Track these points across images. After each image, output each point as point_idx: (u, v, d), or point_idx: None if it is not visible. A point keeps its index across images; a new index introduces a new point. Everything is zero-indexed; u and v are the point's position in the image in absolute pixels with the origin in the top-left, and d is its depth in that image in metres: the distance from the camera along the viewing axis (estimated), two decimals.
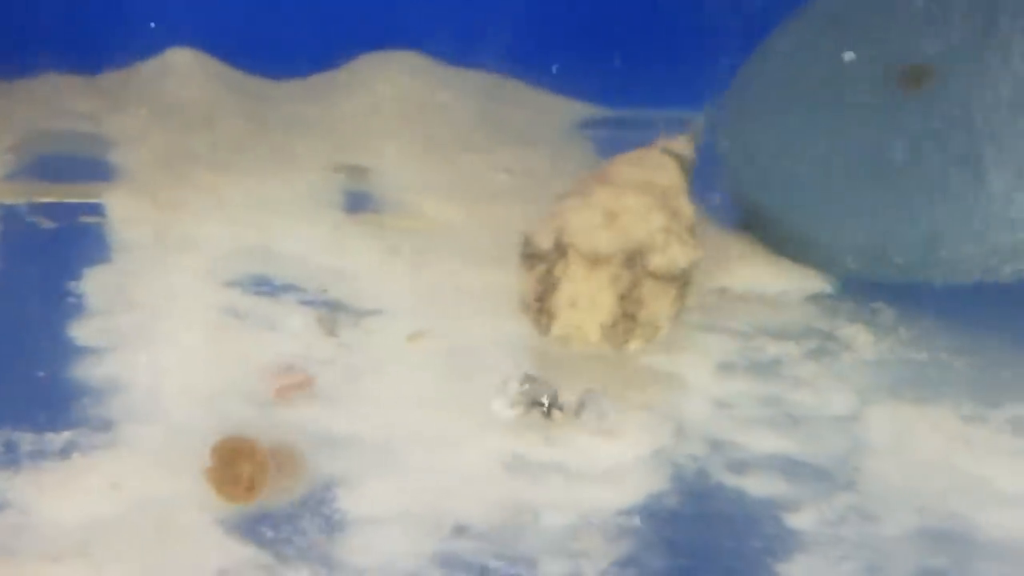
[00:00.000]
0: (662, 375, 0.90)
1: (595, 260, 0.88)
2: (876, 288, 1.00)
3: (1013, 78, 0.97)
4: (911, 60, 1.04)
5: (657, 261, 0.91)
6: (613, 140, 1.28)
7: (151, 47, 1.36)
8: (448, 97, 1.35)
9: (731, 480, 0.79)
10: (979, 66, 0.99)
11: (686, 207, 0.98)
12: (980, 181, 0.95)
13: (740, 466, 0.80)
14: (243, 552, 0.70)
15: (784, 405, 0.87)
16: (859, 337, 0.95)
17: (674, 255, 0.93)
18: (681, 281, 0.93)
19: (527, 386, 0.81)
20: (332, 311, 0.94)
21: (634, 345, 0.89)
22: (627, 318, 0.88)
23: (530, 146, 1.29)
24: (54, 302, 0.95)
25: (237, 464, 0.73)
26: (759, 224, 1.09)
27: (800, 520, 0.74)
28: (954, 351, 0.93)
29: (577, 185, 0.99)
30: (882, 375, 0.91)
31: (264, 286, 0.99)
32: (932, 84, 1.03)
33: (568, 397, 0.81)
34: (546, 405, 0.81)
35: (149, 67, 1.36)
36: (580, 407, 0.81)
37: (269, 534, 0.72)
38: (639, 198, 0.96)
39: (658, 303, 0.90)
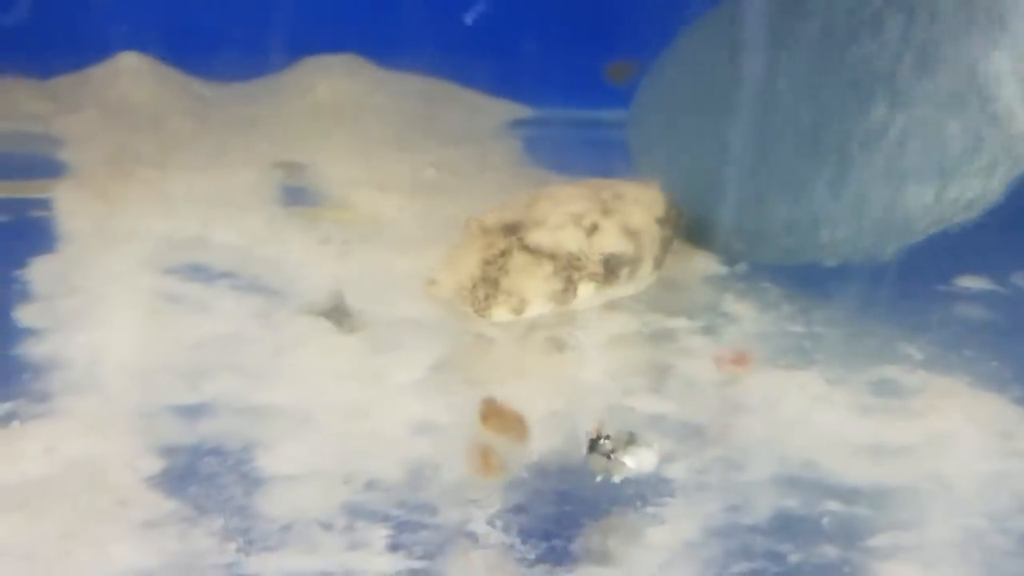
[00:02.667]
0: (567, 347, 0.93)
1: (483, 229, 0.93)
2: (764, 269, 1.04)
3: (879, 87, 1.00)
4: (791, 67, 1.08)
5: (533, 236, 0.95)
6: (541, 139, 1.33)
7: (101, 51, 1.38)
8: (384, 98, 1.37)
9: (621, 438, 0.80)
10: (849, 76, 1.02)
11: (637, 213, 1.00)
12: (853, 173, 0.99)
13: (626, 425, 0.81)
14: (167, 505, 0.74)
15: (670, 373, 0.91)
16: (745, 313, 0.99)
17: (558, 237, 0.96)
18: (564, 263, 0.95)
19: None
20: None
21: (496, 313, 0.92)
22: (487, 283, 0.92)
23: (460, 144, 1.31)
24: (2, 288, 0.97)
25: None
26: (675, 216, 1.08)
27: (674, 470, 0.79)
28: (828, 323, 0.97)
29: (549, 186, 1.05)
30: (762, 345, 0.95)
31: (200, 273, 1.02)
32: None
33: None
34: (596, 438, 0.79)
35: (99, 71, 1.37)
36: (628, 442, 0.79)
37: (181, 499, 0.74)
38: (577, 191, 1.01)
39: (522, 277, 0.93)
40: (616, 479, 0.78)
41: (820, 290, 1.01)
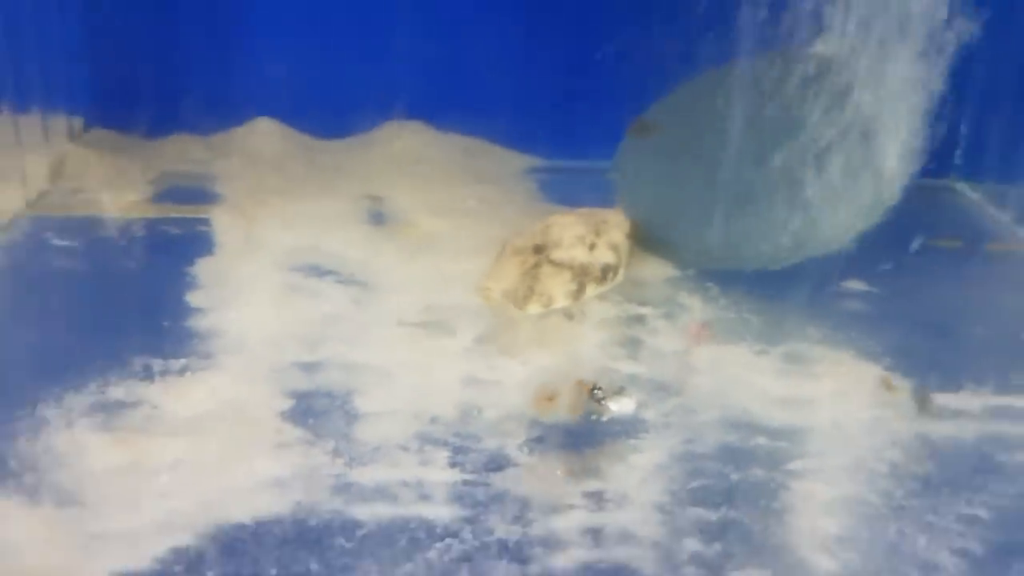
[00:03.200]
0: (565, 327, 0.91)
1: (516, 250, 0.92)
2: (708, 274, 1.00)
3: (797, 146, 0.98)
4: (734, 130, 1.05)
5: (556, 253, 0.94)
6: (550, 182, 1.28)
7: (245, 116, 1.33)
8: (437, 152, 1.32)
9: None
10: (774, 137, 0.99)
11: (615, 233, 0.98)
12: (773, 206, 0.97)
13: (610, 382, 0.81)
14: (293, 433, 0.72)
15: (642, 345, 0.88)
16: (694, 304, 0.96)
17: (572, 252, 0.95)
18: (578, 272, 0.93)
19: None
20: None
21: (531, 308, 0.90)
22: (525, 287, 0.90)
23: (491, 184, 1.26)
24: (177, 279, 0.95)
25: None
26: (639, 233, 1.06)
27: (647, 413, 0.78)
28: (754, 311, 0.94)
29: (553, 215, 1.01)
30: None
31: (313, 271, 0.99)
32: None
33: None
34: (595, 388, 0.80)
35: (243, 130, 1.32)
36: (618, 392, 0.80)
37: (305, 429, 0.73)
38: (572, 220, 0.98)
39: (551, 282, 0.92)
40: (604, 418, 0.77)
41: (748, 288, 0.98)
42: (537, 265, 0.92)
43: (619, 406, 0.79)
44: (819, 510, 0.66)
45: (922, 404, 0.80)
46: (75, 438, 0.69)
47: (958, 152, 1.30)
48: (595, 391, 0.80)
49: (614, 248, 0.96)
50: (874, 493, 0.68)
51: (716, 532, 0.64)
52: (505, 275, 0.91)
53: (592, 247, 0.95)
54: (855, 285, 1.01)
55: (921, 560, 0.63)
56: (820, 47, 1.02)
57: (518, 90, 1.32)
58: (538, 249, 0.93)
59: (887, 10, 0.98)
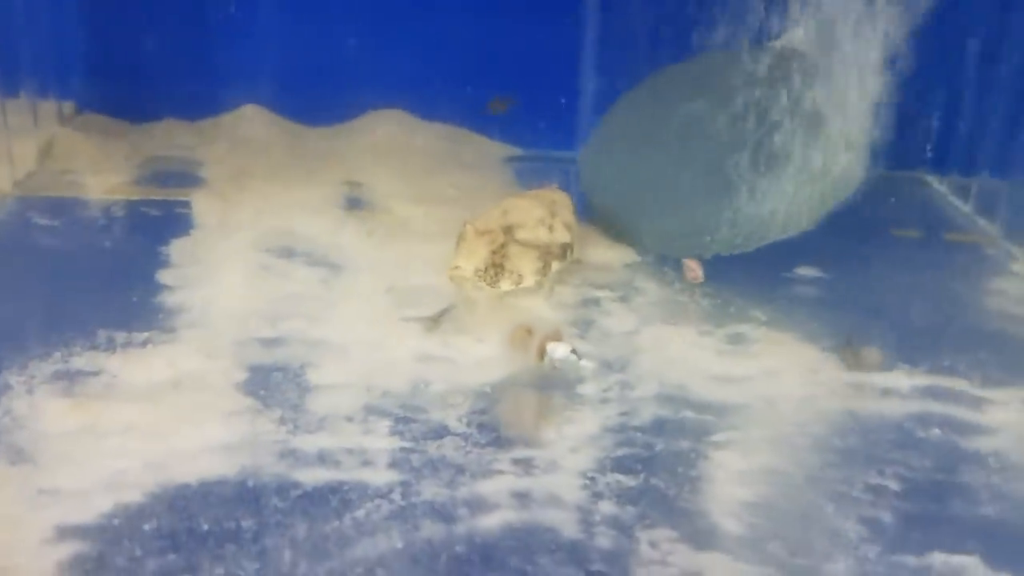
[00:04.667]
0: (526, 307, 0.93)
1: (480, 231, 0.94)
2: (666, 260, 1.03)
3: (751, 143, 1.00)
4: (693, 122, 1.07)
5: (521, 234, 0.96)
6: (527, 170, 1.30)
7: (233, 103, 1.36)
8: (419, 140, 1.35)
9: (551, 371, 0.83)
10: (730, 133, 1.02)
11: (565, 212, 1.01)
12: (728, 195, 0.99)
13: (561, 364, 0.83)
14: (245, 401, 0.75)
15: (595, 326, 0.91)
16: (650, 287, 0.98)
17: (536, 232, 0.98)
18: (543, 250, 0.96)
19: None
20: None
21: (503, 285, 0.92)
22: (495, 266, 0.92)
23: (469, 172, 1.29)
24: (151, 258, 0.98)
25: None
26: (601, 220, 1.10)
27: (586, 388, 0.80)
28: (705, 296, 0.96)
29: (507, 198, 1.03)
30: (657, 309, 0.94)
31: (286, 252, 1.01)
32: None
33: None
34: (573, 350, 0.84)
35: (230, 117, 1.35)
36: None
37: (256, 399, 0.76)
38: (530, 202, 1.01)
39: (520, 261, 0.94)
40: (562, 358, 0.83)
41: (703, 273, 1.00)
42: (504, 245, 0.95)
43: (561, 352, 0.84)
44: (734, 479, 0.69)
45: (854, 358, 0.82)
46: (35, 403, 0.73)
47: (928, 146, 1.32)
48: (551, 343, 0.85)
49: (568, 227, 0.99)
50: (792, 464, 0.71)
51: (633, 496, 0.67)
52: (474, 255, 0.93)
53: (551, 228, 0.98)
54: (808, 271, 1.03)
55: (826, 526, 0.65)
56: (778, 44, 1.04)
57: (499, 81, 1.35)
58: (506, 230, 0.96)
59: (844, 8, 1.00)
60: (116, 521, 0.62)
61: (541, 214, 0.99)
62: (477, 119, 1.38)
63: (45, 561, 0.59)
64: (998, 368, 0.84)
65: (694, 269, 0.98)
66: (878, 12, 0.99)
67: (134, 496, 0.65)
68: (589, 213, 1.11)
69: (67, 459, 0.67)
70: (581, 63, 1.28)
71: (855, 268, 1.04)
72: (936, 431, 0.75)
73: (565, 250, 0.98)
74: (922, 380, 0.83)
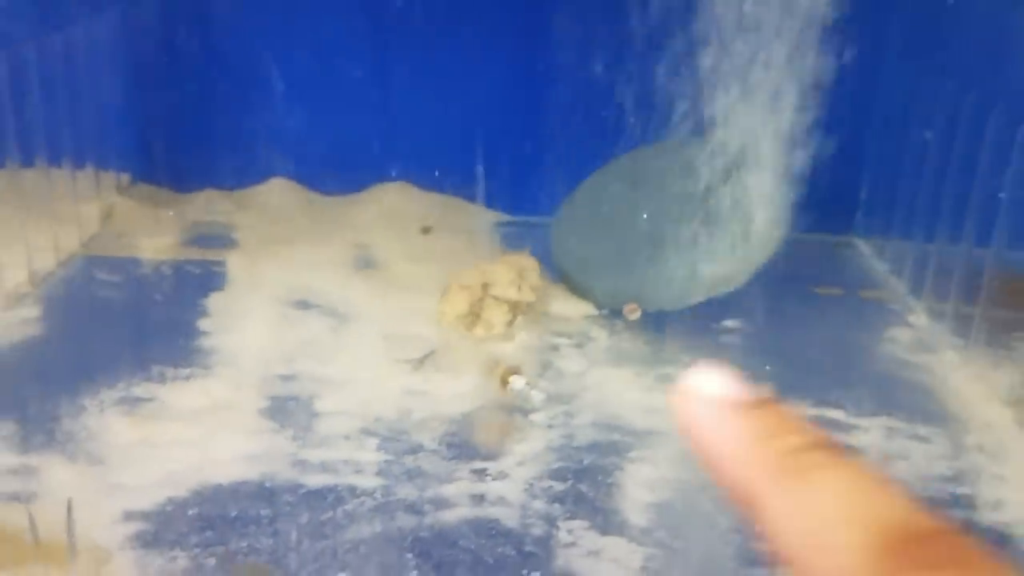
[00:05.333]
0: (496, 351, 1.11)
1: (462, 287, 1.14)
2: (616, 313, 1.19)
3: (689, 213, 1.18)
4: (645, 197, 1.28)
5: (495, 291, 1.17)
6: (511, 235, 1.49)
7: (264, 176, 1.55)
8: (418, 208, 1.53)
9: (511, 399, 1.01)
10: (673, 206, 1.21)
11: (532, 275, 1.20)
12: (669, 260, 1.16)
13: (518, 394, 1.02)
14: (265, 423, 0.94)
15: (552, 367, 1.08)
16: (601, 336, 1.16)
17: (507, 291, 1.18)
18: (512, 305, 1.16)
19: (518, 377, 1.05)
20: (424, 356, 1.09)
21: (478, 331, 1.14)
22: (472, 315, 1.13)
23: (462, 235, 1.47)
24: (192, 309, 1.16)
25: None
26: (566, 279, 1.27)
27: (537, 417, 0.98)
28: (646, 342, 1.14)
29: (485, 263, 1.23)
30: (605, 354, 1.12)
31: (303, 305, 1.19)
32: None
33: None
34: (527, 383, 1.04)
35: (261, 187, 1.54)
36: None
37: (274, 422, 0.94)
38: (504, 267, 1.21)
39: (492, 312, 1.15)
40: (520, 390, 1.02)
41: (645, 325, 1.18)
42: (482, 299, 1.15)
43: (519, 384, 1.03)
44: (642, 485, 0.88)
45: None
46: (104, 420, 0.93)
47: (858, 213, 1.51)
48: (510, 377, 1.04)
49: (533, 289, 1.19)
50: (690, 475, 0.89)
51: (561, 497, 0.86)
52: (456, 305, 1.15)
53: (519, 288, 1.18)
54: (733, 324, 1.22)
55: (706, 520, 0.84)
56: (705, 136, 1.24)
57: (489, 157, 1.53)
58: (484, 287, 1.16)
59: (758, 101, 1.20)
60: (168, 508, 0.82)
61: (512, 276, 1.19)
62: (471, 190, 1.56)
63: (115, 535, 0.79)
64: (873, 402, 1.02)
65: (634, 310, 1.16)
66: (799, 85, 1.17)
67: (180, 491, 0.85)
68: (556, 273, 1.30)
69: (130, 462, 0.87)
70: (557, 145, 1.49)
71: (774, 321, 1.22)
72: None
73: (529, 306, 1.18)
74: (807, 410, 1.01)
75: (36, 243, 1.23)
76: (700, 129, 1.26)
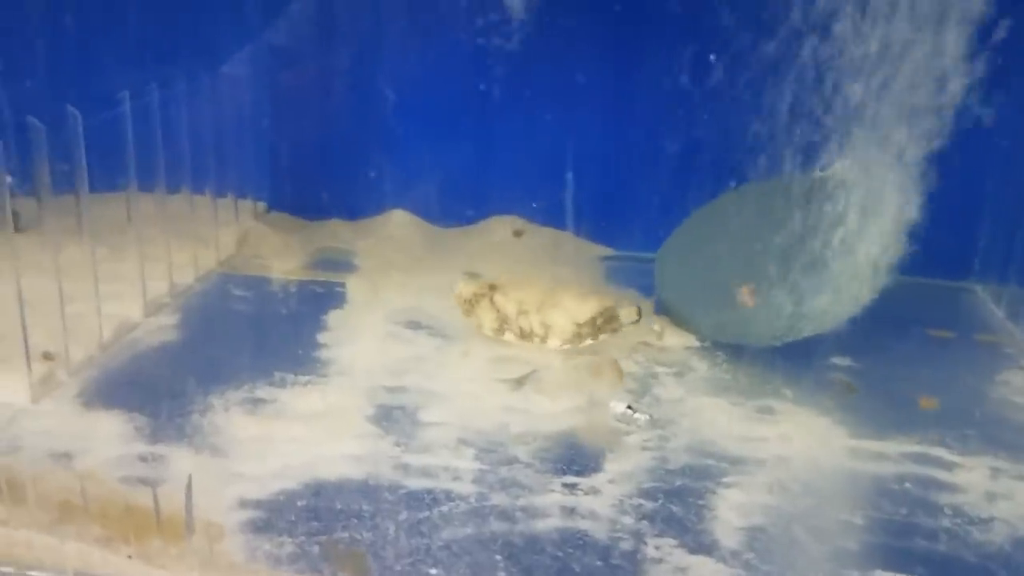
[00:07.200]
0: (593, 376, 1.11)
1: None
2: (719, 345, 1.19)
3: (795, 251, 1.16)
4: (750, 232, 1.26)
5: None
6: (615, 267, 1.50)
7: (383, 207, 1.61)
8: (530, 239, 1.56)
9: (608, 423, 1.01)
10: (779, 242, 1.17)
11: (626, 314, 1.21)
12: (774, 294, 1.14)
13: (620, 417, 1.02)
14: (372, 429, 0.98)
15: (652, 394, 1.08)
16: (701, 367, 1.15)
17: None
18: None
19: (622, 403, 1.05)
20: (524, 377, 1.11)
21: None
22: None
23: (569, 267, 1.48)
24: (314, 323, 1.22)
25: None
26: (669, 311, 1.27)
27: (636, 438, 0.98)
28: (746, 374, 1.12)
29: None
30: (704, 383, 1.11)
31: (412, 324, 1.23)
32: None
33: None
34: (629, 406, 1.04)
35: (381, 218, 1.60)
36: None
37: (379, 428, 0.98)
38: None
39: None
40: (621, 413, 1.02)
41: (749, 358, 1.16)
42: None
43: (620, 408, 1.04)
44: (733, 509, 0.86)
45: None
46: (229, 418, 0.99)
47: (976, 259, 1.45)
48: (627, 406, 1.04)
49: (614, 329, 1.21)
50: (782, 502, 0.87)
51: (650, 515, 0.85)
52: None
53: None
54: (842, 360, 1.18)
55: (797, 546, 0.81)
56: (816, 173, 1.22)
57: (597, 194, 1.56)
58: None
59: (879, 137, 1.17)
60: (280, 498, 0.87)
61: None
62: (578, 224, 1.58)
63: (230, 519, 0.83)
64: (979, 441, 0.97)
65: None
66: (917, 126, 1.14)
67: (291, 484, 0.89)
68: (661, 305, 1.30)
69: (248, 456, 0.93)
70: (657, 181, 1.49)
71: (883, 359, 1.18)
72: (908, 485, 0.90)
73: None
74: (910, 448, 0.97)
75: (177, 260, 1.32)
76: (808, 166, 1.25)
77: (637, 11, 1.49)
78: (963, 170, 1.14)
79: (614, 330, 1.21)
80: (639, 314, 1.22)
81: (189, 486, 0.79)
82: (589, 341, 1.20)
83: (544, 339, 1.20)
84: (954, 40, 1.08)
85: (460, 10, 1.52)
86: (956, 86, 1.10)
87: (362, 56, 1.58)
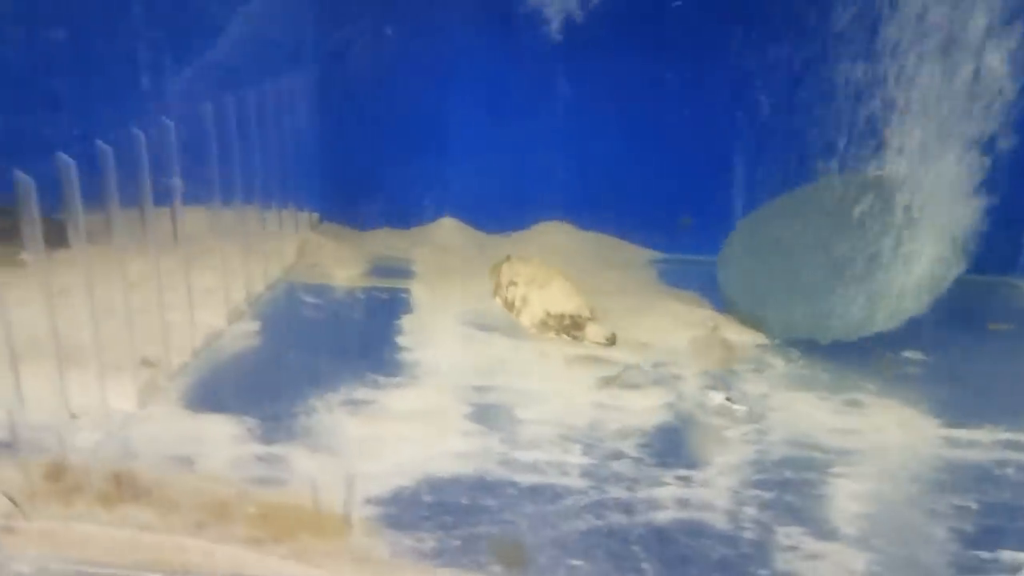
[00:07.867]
0: (671, 377, 1.13)
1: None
2: (792, 343, 1.20)
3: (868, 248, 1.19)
4: (816, 230, 1.29)
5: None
6: (667, 270, 1.52)
7: (434, 216, 1.62)
8: (578, 245, 1.57)
9: (703, 416, 1.02)
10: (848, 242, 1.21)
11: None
12: (847, 291, 1.17)
13: (709, 411, 1.03)
14: (473, 427, 0.98)
15: (737, 389, 1.09)
16: (777, 363, 1.16)
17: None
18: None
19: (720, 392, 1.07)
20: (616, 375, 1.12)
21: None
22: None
23: (618, 270, 1.50)
24: (389, 328, 1.23)
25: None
26: (735, 310, 1.29)
27: (729, 433, 0.99)
28: (823, 369, 1.14)
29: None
30: (785, 379, 1.12)
31: (481, 326, 1.24)
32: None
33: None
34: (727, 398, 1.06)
35: (433, 226, 1.61)
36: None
37: (481, 425, 0.99)
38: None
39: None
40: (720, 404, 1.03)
41: (822, 354, 1.17)
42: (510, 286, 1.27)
43: (718, 399, 1.06)
44: (849, 497, 0.87)
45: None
46: (334, 419, 0.99)
47: (1021, 256, 1.48)
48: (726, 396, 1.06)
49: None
50: (893, 490, 0.89)
51: (770, 505, 0.87)
52: (494, 274, 1.30)
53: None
54: (913, 354, 1.20)
55: (918, 530, 0.82)
56: (881, 171, 1.25)
57: (646, 197, 1.57)
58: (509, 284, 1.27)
59: (940, 133, 1.20)
60: (403, 495, 0.87)
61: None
62: (625, 229, 1.61)
63: (365, 516, 0.83)
64: None
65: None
66: (981, 126, 1.16)
67: (408, 481, 0.89)
68: (724, 303, 1.32)
69: (362, 455, 0.93)
70: (712, 187, 1.51)
71: (953, 352, 1.20)
72: (1009, 470, 0.91)
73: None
74: (1002, 435, 0.99)
75: (248, 271, 1.32)
76: (874, 165, 1.28)
77: (693, 9, 1.48)
78: (1011, 167, 1.16)
79: (574, 338, 1.22)
80: (612, 340, 1.21)
81: (351, 483, 0.79)
82: (552, 335, 1.21)
83: (519, 314, 1.22)
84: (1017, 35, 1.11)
85: (508, 17, 1.54)
86: (1010, 82, 1.13)
87: (410, 75, 1.58)
